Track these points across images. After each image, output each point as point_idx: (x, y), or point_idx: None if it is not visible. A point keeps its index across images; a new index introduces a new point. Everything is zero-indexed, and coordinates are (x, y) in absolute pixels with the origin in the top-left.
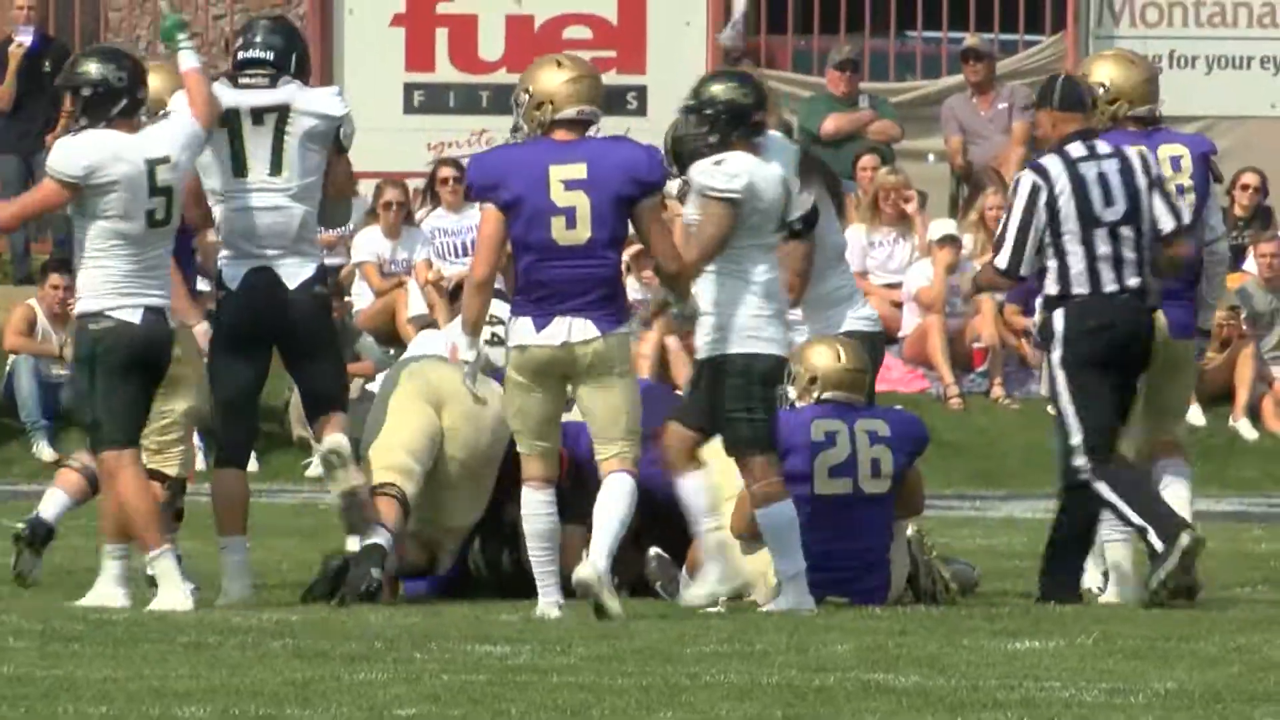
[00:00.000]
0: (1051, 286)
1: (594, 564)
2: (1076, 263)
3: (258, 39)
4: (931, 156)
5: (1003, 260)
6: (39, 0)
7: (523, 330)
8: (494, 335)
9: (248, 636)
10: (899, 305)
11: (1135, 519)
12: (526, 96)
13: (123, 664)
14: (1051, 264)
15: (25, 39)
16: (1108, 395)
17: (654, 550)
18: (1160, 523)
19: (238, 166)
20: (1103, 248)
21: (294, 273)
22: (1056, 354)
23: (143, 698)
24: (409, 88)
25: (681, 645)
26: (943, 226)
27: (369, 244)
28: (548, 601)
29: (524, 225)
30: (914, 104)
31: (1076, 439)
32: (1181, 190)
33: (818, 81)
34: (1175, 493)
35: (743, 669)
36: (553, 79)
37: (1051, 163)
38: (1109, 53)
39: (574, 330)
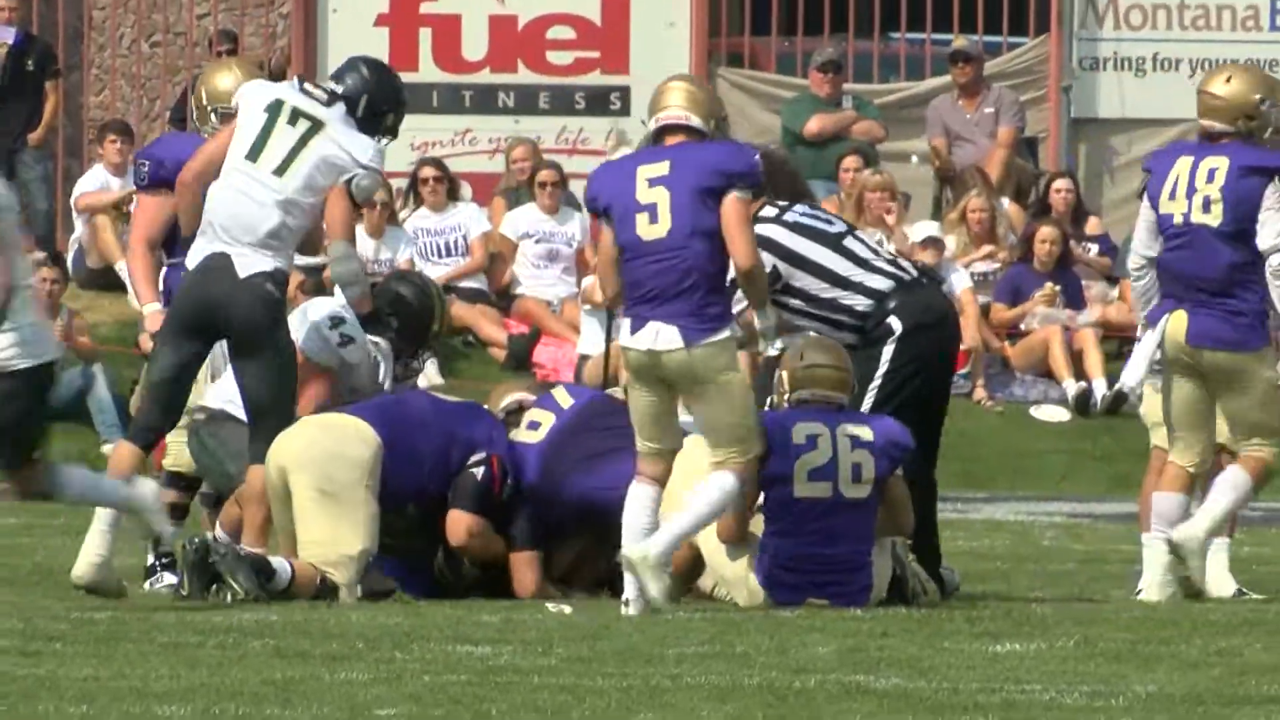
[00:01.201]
0: None
1: (648, 545)
2: None
3: (346, 77)
4: (915, 158)
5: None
6: (21, 0)
7: (623, 331)
8: (342, 336)
9: (228, 636)
10: None
11: None
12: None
13: (104, 663)
14: None
15: (7, 38)
16: None
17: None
18: None
19: (253, 151)
20: None
21: (248, 263)
22: None
23: (124, 697)
24: None
25: (663, 646)
26: (926, 228)
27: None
28: (631, 596)
29: (618, 227)
30: (898, 105)
31: None
32: (1208, 203)
33: (801, 83)
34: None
35: (724, 670)
36: (657, 93)
37: None
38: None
39: (660, 338)
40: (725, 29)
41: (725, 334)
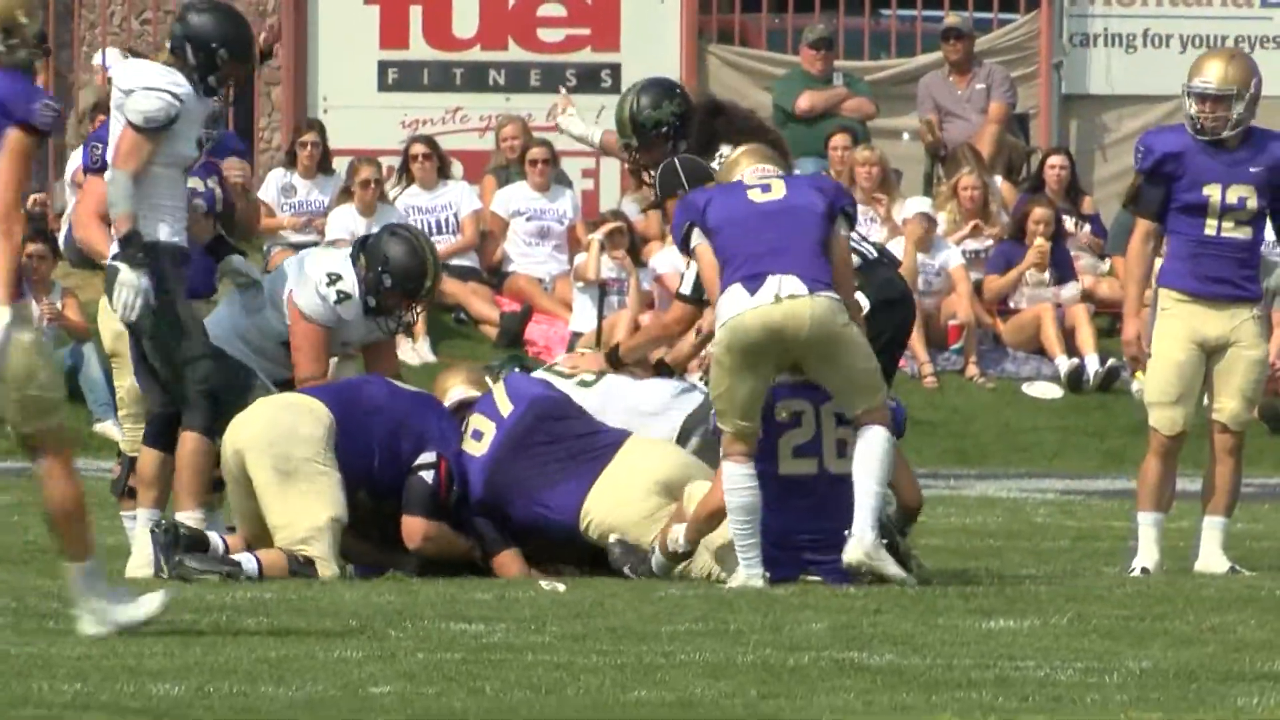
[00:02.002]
0: None
1: (860, 541)
2: None
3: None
4: (906, 135)
5: None
6: None
7: (735, 300)
8: (339, 294)
9: (222, 615)
10: None
11: None
12: None
13: (96, 642)
14: None
15: None
16: None
17: (614, 538)
18: None
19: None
20: None
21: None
22: None
23: (117, 675)
24: (383, 65)
25: (656, 624)
26: (917, 204)
27: (343, 222)
28: (751, 573)
29: (721, 203)
30: (889, 82)
31: None
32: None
33: (792, 60)
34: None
35: (717, 648)
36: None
37: None
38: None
39: (783, 286)
40: (716, 6)
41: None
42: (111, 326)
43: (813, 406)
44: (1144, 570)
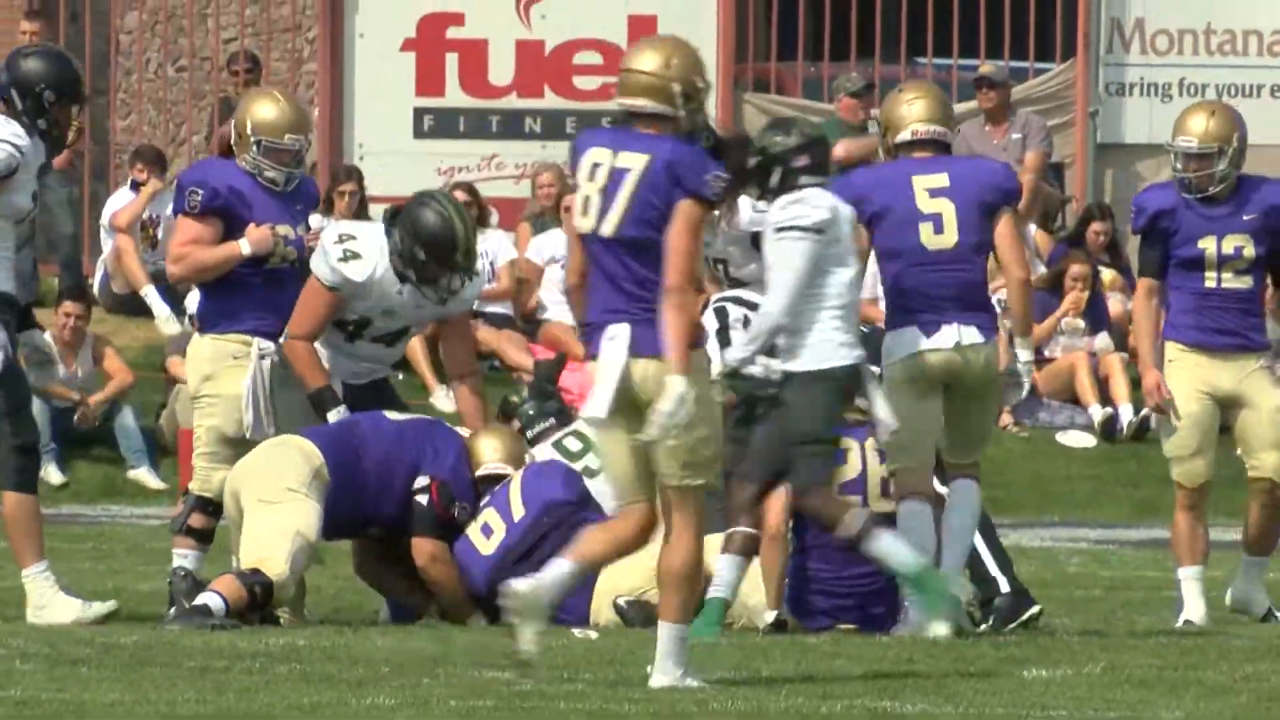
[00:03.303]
0: None
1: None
2: None
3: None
4: None
5: None
6: (45, 25)
7: (909, 339)
8: (345, 252)
9: (255, 661)
10: None
11: None
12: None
13: (130, 688)
14: None
15: None
16: None
17: (621, 599)
18: None
19: None
20: None
21: None
22: None
23: None
24: (419, 112)
25: None
26: None
27: None
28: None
29: (891, 233)
30: None
31: None
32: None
33: (827, 108)
34: None
35: (750, 696)
36: (892, 106)
37: None
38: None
39: (964, 335)
40: (751, 54)
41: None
42: (198, 370)
43: (859, 444)
44: (1187, 623)
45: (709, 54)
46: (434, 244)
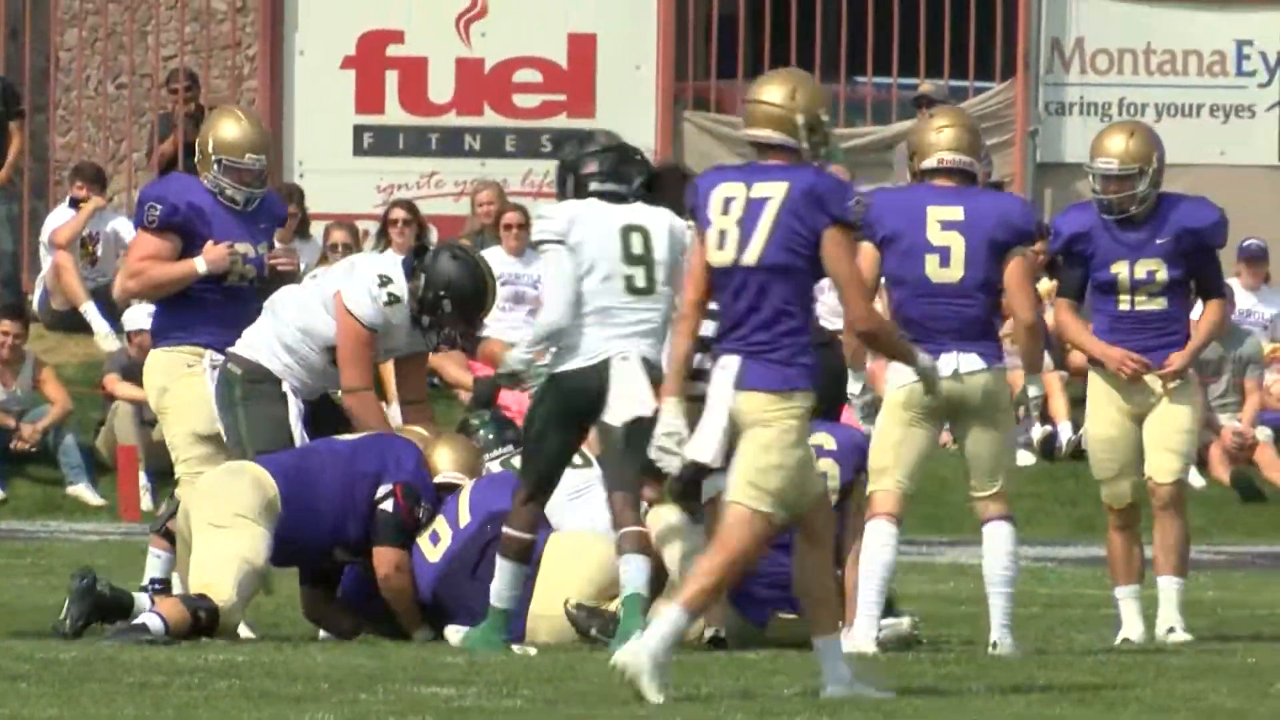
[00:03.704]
0: None
1: (1000, 640)
2: None
3: None
4: None
5: None
6: None
7: (900, 367)
8: (390, 295)
9: (194, 677)
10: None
11: None
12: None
13: (69, 704)
14: None
15: None
16: None
17: (573, 602)
18: None
19: None
20: None
21: None
22: None
23: None
24: (359, 130)
25: (627, 688)
26: None
27: None
28: (868, 636)
29: (899, 260)
30: (864, 149)
31: None
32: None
33: None
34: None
35: (690, 713)
36: (921, 132)
37: None
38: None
39: (963, 362)
40: (691, 72)
41: (1004, 366)
42: (154, 384)
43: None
44: (1125, 641)
45: (648, 72)
46: (463, 302)
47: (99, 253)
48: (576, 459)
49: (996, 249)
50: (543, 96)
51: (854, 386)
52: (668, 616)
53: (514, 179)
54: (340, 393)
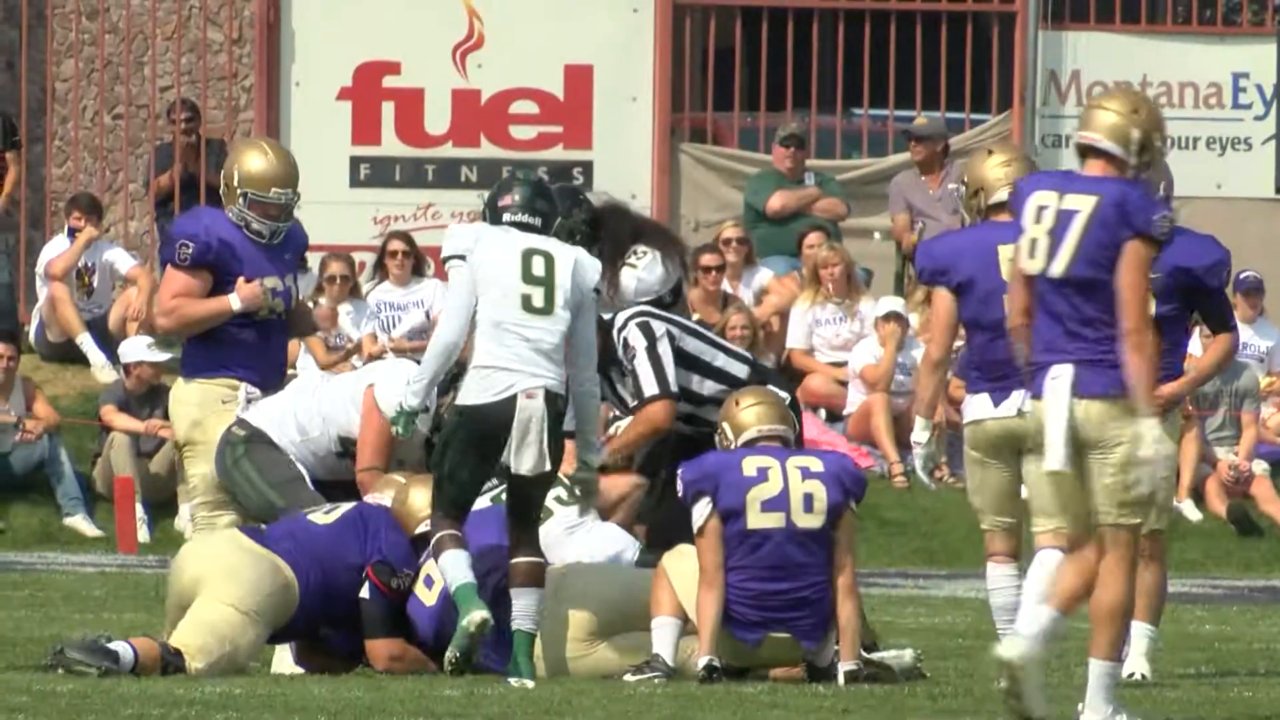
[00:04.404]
0: None
1: (1018, 647)
2: None
3: None
4: (877, 234)
5: None
6: None
7: (979, 406)
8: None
9: (191, 709)
10: (844, 383)
11: None
12: (963, 186)
13: None
14: None
15: None
16: None
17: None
18: None
19: None
20: None
21: None
22: None
23: None
24: (355, 161)
25: None
26: (888, 304)
27: None
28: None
29: (977, 305)
30: (860, 181)
31: None
32: None
33: (764, 158)
34: None
35: None
36: (983, 166)
37: None
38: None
39: (1029, 400)
40: (688, 104)
41: None
42: (187, 415)
43: (779, 462)
44: (1130, 675)
45: (645, 104)
46: (611, 226)
47: (95, 284)
48: (564, 495)
49: None
50: (539, 128)
51: (920, 435)
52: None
53: None
54: (356, 470)
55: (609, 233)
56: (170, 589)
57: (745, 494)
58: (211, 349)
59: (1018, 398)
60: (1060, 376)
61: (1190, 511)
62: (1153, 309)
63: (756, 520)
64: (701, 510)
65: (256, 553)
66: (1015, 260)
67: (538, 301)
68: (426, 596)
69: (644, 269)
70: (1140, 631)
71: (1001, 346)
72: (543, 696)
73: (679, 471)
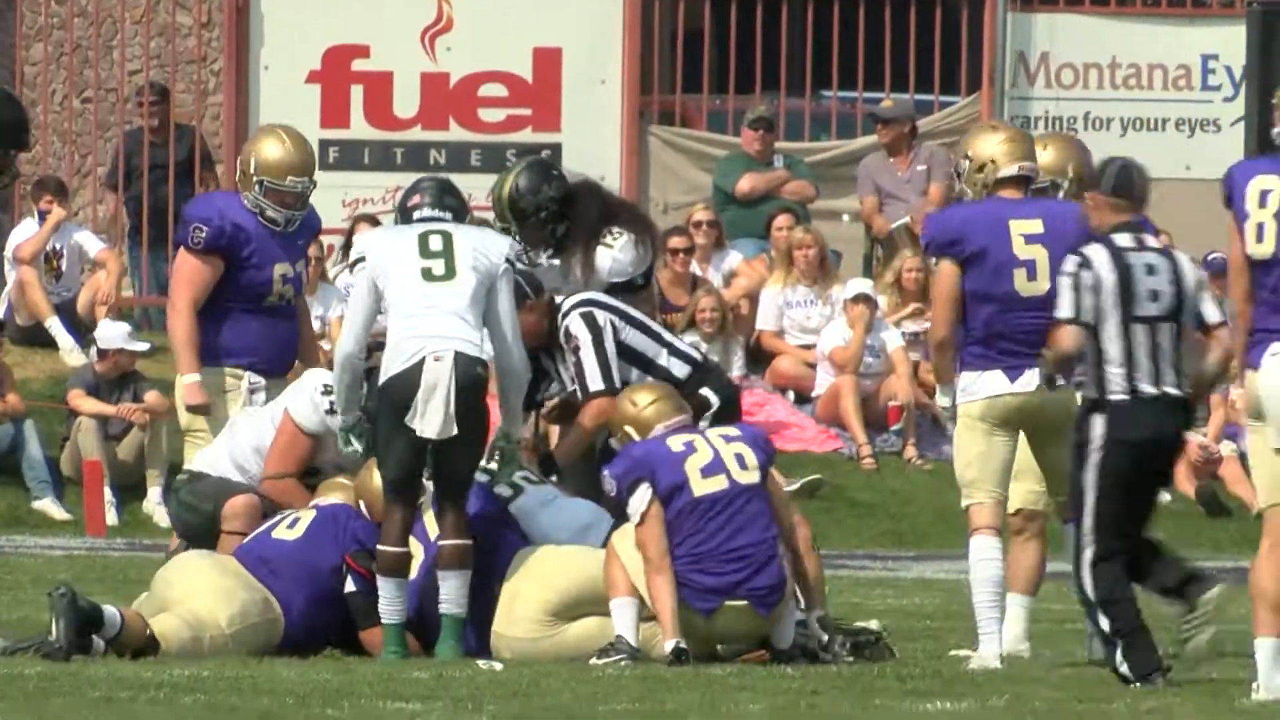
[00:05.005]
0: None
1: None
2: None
3: None
4: (846, 216)
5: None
6: None
7: (993, 382)
8: (332, 404)
9: (160, 691)
10: (813, 365)
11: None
12: (966, 162)
13: (35, 718)
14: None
15: None
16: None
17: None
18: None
19: None
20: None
21: None
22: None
23: None
24: (324, 144)
25: (593, 704)
26: (857, 286)
27: None
28: (990, 651)
29: (989, 277)
30: (829, 164)
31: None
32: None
33: (733, 141)
34: None
35: None
36: (990, 142)
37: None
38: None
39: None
40: (656, 87)
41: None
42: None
43: (699, 435)
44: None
45: (614, 87)
46: (584, 207)
47: (63, 267)
48: (533, 475)
49: None
50: (508, 110)
51: (944, 400)
52: None
53: (479, 194)
54: (260, 481)
55: (580, 211)
56: (151, 597)
57: (683, 466)
58: (217, 335)
59: (1031, 375)
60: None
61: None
62: None
63: (701, 487)
64: (641, 497)
65: (250, 582)
66: (1236, 245)
67: (438, 271)
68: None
69: (620, 249)
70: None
71: (1009, 319)
72: (511, 679)
73: (604, 472)
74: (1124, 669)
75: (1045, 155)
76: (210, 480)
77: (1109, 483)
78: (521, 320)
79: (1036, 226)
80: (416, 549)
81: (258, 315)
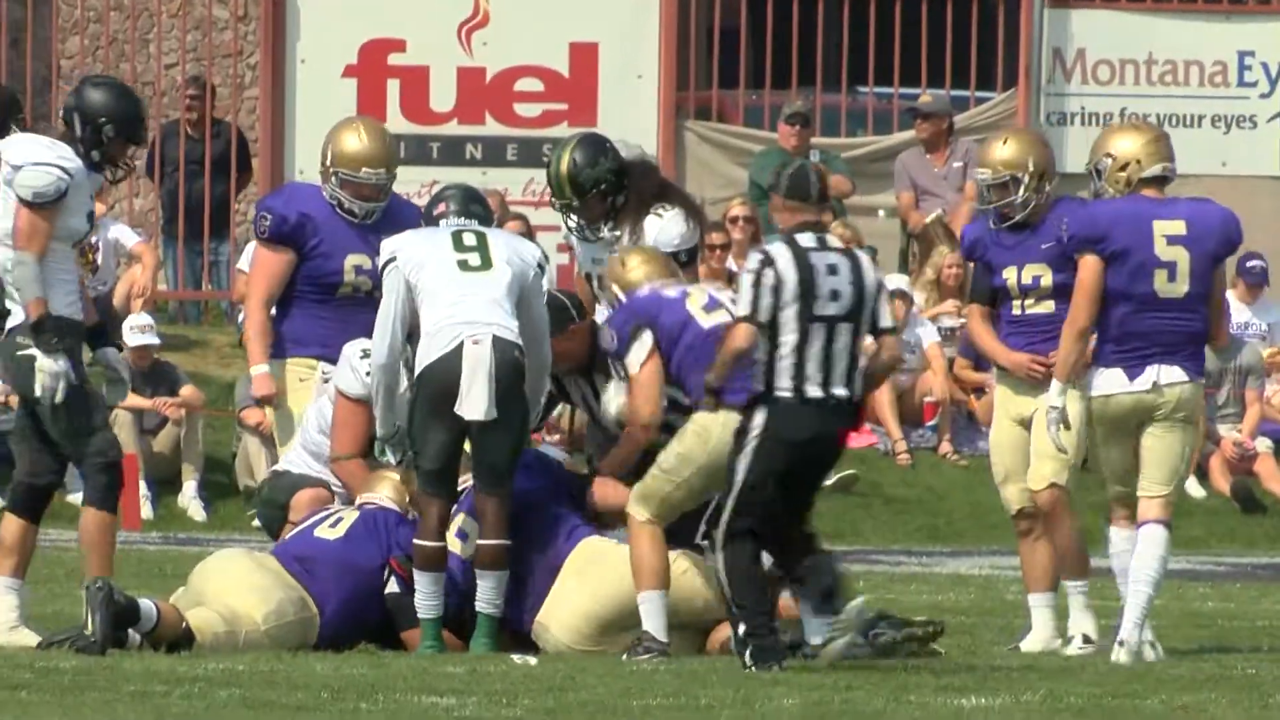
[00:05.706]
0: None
1: (1128, 643)
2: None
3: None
4: (882, 212)
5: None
6: None
7: (1112, 380)
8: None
9: (194, 686)
10: None
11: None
12: (1109, 160)
13: (69, 713)
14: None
15: None
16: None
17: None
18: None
19: None
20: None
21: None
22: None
23: None
24: None
25: (627, 698)
26: (893, 282)
27: None
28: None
29: (1128, 277)
30: (865, 159)
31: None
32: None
33: (770, 136)
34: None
35: None
36: (1133, 142)
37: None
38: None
39: (1162, 374)
40: (693, 82)
41: (1203, 381)
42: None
43: (689, 286)
44: (1015, 649)
45: (650, 82)
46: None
47: (99, 261)
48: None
49: (1215, 261)
50: (544, 105)
51: (1056, 400)
52: None
53: (515, 188)
54: (330, 462)
55: (634, 184)
56: (188, 592)
57: (685, 304)
58: (291, 326)
59: (1152, 372)
60: None
61: (1194, 489)
62: (1049, 280)
63: (708, 319)
64: (644, 343)
65: (287, 581)
66: None
67: (474, 262)
68: (462, 550)
69: (669, 219)
70: (1071, 589)
71: (1143, 320)
72: (545, 674)
73: (607, 323)
74: (747, 657)
75: (1005, 150)
76: (290, 476)
77: (761, 473)
78: (563, 345)
79: (1180, 228)
80: (472, 527)
81: (330, 306)
